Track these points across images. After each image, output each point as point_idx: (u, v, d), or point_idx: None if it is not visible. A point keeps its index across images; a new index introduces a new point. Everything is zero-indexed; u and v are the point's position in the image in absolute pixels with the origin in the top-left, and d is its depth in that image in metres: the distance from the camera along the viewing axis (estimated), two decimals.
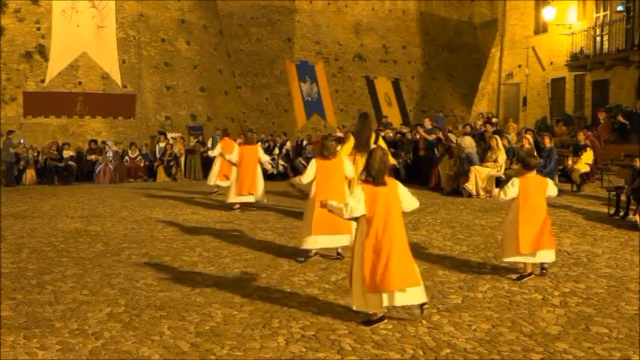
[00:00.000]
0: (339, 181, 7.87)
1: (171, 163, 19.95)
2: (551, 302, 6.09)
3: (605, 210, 11.08)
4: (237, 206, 12.08)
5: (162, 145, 20.44)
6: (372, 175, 5.47)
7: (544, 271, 7.10)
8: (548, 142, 13.75)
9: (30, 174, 18.67)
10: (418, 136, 16.37)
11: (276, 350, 4.87)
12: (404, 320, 5.52)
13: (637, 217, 9.70)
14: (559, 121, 21.56)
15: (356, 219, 5.60)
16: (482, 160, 13.91)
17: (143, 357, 4.76)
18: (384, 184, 5.47)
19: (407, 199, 5.57)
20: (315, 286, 6.64)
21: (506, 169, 13.54)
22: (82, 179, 19.31)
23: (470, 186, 13.36)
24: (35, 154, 19.05)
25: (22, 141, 19.38)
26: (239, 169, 12.00)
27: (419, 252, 8.27)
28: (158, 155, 20.23)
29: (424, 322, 5.49)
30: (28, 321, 5.56)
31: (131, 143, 20.37)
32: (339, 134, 19.78)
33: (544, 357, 4.74)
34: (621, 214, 10.58)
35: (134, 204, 13.21)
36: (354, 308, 5.53)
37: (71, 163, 19.16)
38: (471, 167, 13.52)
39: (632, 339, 5.10)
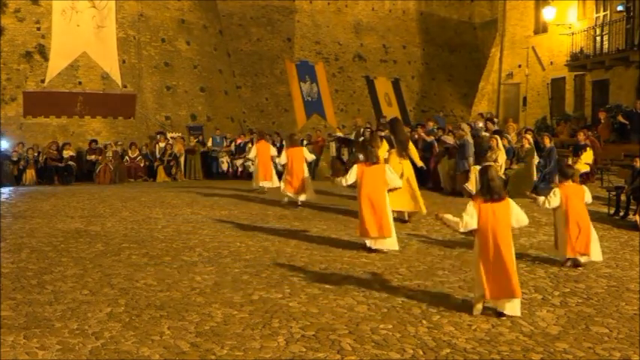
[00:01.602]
0: (381, 188, 8.25)
1: (171, 163, 19.94)
2: (551, 302, 6.10)
3: (605, 210, 11.08)
4: (286, 199, 12.58)
5: (162, 145, 20.44)
6: (489, 192, 5.76)
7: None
8: (548, 142, 13.76)
9: (30, 174, 18.63)
10: (417, 137, 16.37)
11: (276, 350, 4.87)
12: (404, 320, 5.53)
13: (637, 217, 9.71)
14: (560, 121, 21.60)
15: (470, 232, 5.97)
16: (483, 160, 13.91)
17: (143, 357, 4.76)
18: (499, 200, 5.75)
19: (517, 215, 5.85)
20: (315, 286, 6.64)
21: (506, 169, 13.54)
22: (82, 179, 19.28)
23: (470, 186, 13.35)
24: (35, 154, 19.03)
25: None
26: (288, 171, 12.57)
27: (419, 252, 8.29)
28: (158, 155, 20.23)
29: (424, 321, 5.50)
30: (28, 321, 5.56)
31: (131, 143, 20.35)
32: (339, 134, 19.84)
33: (544, 357, 4.74)
34: (621, 214, 10.59)
35: (134, 204, 13.20)
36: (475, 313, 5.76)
37: (71, 163, 19.13)
38: (472, 167, 13.52)
39: (632, 339, 5.11)
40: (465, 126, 15.10)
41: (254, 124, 26.36)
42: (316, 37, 29.29)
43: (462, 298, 6.16)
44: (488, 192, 5.76)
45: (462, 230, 5.93)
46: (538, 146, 13.87)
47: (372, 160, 8.34)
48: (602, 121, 18.33)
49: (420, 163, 11.08)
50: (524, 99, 25.86)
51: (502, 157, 13.58)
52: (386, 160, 9.87)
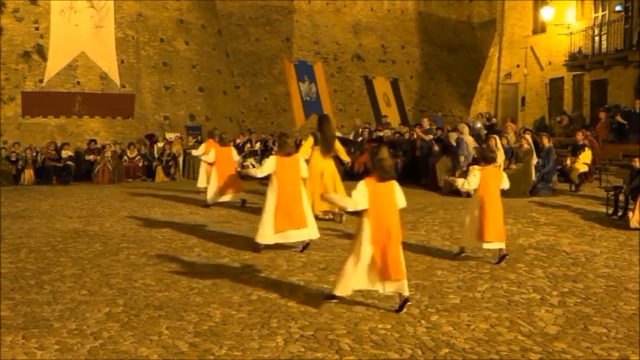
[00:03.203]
0: (298, 179, 8.11)
1: (170, 163, 19.94)
2: (549, 302, 6.10)
3: (603, 210, 11.09)
4: (210, 204, 12.36)
5: (160, 145, 20.46)
6: (383, 171, 5.66)
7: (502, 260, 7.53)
8: (546, 142, 13.76)
9: (28, 174, 18.64)
10: (415, 136, 16.40)
11: (274, 350, 4.87)
12: (402, 320, 5.53)
13: (631, 214, 9.67)
14: (559, 115, 21.61)
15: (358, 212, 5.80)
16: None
17: (141, 357, 4.76)
18: (388, 180, 5.70)
19: (399, 196, 5.82)
20: (313, 286, 6.64)
21: (504, 169, 13.54)
22: (81, 179, 19.27)
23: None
24: (34, 154, 19.02)
25: None
26: (217, 171, 12.36)
27: (417, 252, 8.28)
28: (157, 155, 20.23)
29: (423, 321, 5.50)
30: (27, 321, 5.56)
31: (130, 143, 20.35)
32: (338, 134, 19.79)
33: (542, 357, 4.74)
34: (619, 214, 10.59)
35: (133, 204, 13.20)
36: (337, 294, 5.88)
37: (70, 163, 19.14)
38: (470, 167, 13.52)
39: (630, 339, 5.11)
40: (461, 125, 15.12)
41: (253, 124, 26.38)
42: (315, 37, 29.29)
43: (460, 298, 6.16)
44: (381, 170, 5.67)
45: (351, 209, 5.84)
46: (537, 146, 13.87)
47: (286, 150, 8.11)
48: (602, 120, 18.34)
49: (346, 159, 10.90)
50: (523, 99, 25.89)
51: (501, 157, 13.58)
52: (309, 156, 9.83)
